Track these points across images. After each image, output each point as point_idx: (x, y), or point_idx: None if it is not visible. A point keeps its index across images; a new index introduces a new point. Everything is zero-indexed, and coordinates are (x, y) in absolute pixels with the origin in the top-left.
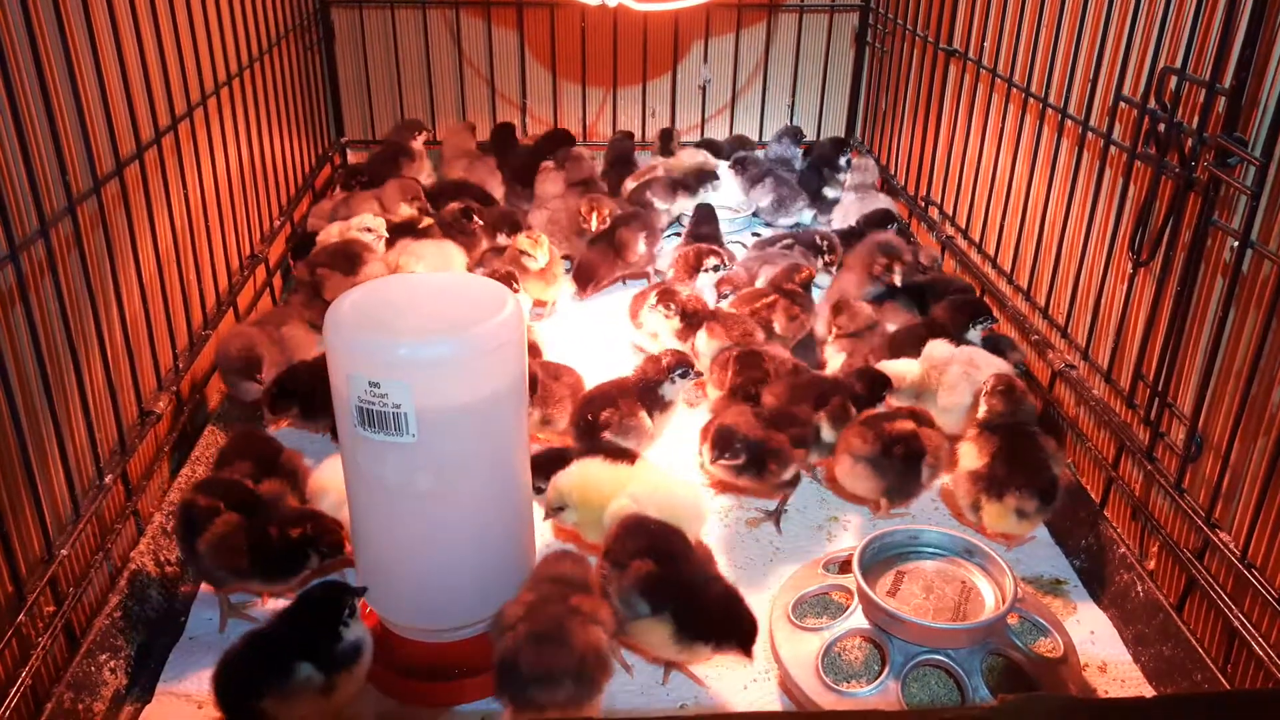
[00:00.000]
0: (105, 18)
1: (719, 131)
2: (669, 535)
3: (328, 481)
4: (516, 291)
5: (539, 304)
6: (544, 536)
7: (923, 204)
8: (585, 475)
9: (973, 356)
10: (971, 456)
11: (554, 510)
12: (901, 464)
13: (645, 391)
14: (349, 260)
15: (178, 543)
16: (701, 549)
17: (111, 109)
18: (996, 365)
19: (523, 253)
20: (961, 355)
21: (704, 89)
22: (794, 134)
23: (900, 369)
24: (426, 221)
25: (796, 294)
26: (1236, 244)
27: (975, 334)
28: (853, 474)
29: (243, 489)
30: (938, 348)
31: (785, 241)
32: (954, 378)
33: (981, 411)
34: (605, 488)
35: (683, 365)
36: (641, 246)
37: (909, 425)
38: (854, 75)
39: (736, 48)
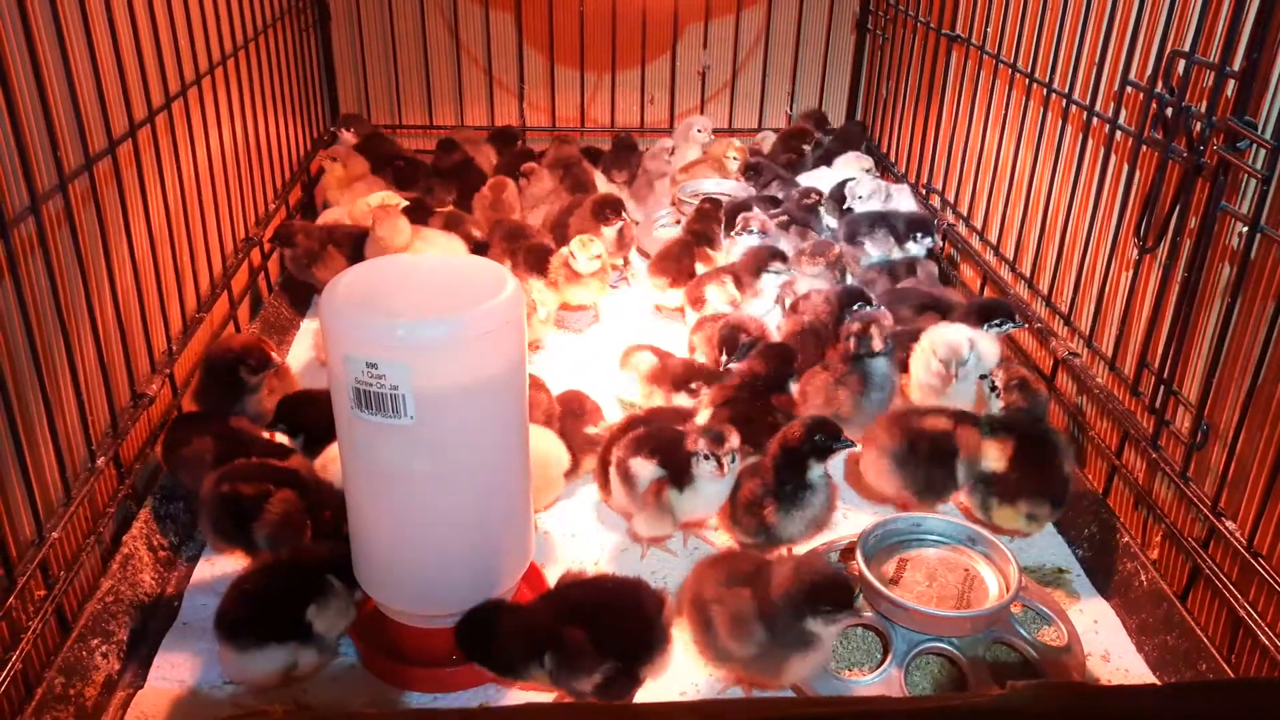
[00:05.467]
0: None
1: (718, 118)
2: (629, 608)
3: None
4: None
5: (568, 308)
6: (543, 520)
7: (924, 192)
8: None
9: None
10: (987, 458)
11: None
12: (929, 462)
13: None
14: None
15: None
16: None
17: (104, 86)
18: (990, 338)
19: (570, 254)
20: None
21: (703, 75)
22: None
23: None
24: None
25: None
26: (1245, 229)
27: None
28: (877, 470)
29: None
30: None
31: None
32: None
33: (998, 408)
34: None
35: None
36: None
37: (943, 422)
38: (854, 62)
39: (736, 33)
